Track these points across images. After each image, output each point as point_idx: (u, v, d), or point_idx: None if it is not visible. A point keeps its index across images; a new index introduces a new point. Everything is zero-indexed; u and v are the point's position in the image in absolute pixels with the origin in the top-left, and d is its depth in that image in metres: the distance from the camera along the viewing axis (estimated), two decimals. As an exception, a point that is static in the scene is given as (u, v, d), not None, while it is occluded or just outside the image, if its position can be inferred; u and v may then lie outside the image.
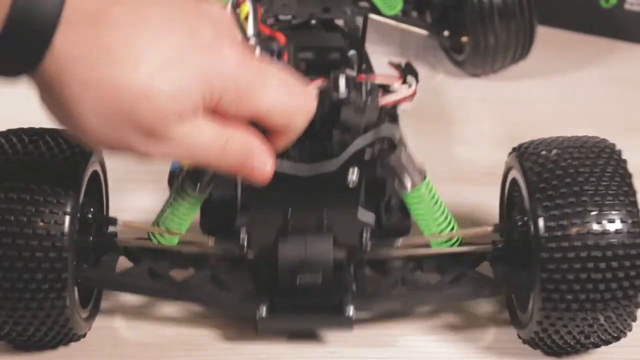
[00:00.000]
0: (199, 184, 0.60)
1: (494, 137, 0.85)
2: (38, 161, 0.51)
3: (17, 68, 0.46)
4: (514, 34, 0.90)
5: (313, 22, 0.80)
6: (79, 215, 0.58)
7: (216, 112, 0.49)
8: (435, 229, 0.62)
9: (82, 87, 0.45)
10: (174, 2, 0.48)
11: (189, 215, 0.62)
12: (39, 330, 0.58)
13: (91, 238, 0.62)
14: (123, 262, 0.64)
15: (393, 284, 0.63)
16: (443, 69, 0.96)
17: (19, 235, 0.56)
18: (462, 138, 0.86)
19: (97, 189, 0.64)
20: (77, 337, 0.61)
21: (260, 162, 0.51)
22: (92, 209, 0.62)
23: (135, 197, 0.74)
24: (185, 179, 0.60)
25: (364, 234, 0.60)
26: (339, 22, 0.83)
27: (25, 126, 0.62)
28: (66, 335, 0.60)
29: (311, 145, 0.59)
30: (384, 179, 0.64)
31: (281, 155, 0.56)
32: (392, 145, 0.58)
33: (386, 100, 0.61)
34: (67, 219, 0.57)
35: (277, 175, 0.54)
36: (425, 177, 0.61)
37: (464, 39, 0.92)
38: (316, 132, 0.57)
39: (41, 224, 0.56)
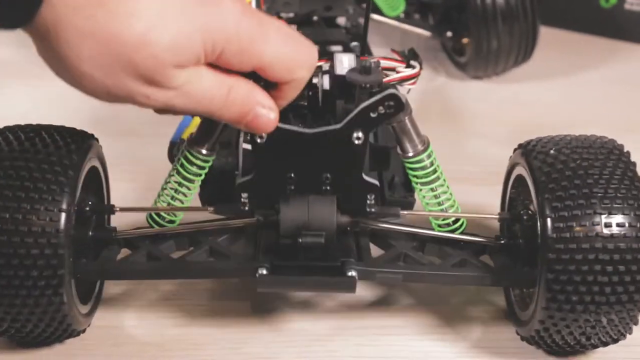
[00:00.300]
0: (205, 146, 0.59)
1: (495, 137, 0.85)
2: (34, 158, 0.50)
3: (15, 18, 0.45)
4: (517, 38, 0.90)
5: (315, 18, 0.80)
6: (75, 210, 0.58)
7: (218, 64, 0.49)
8: (436, 204, 0.62)
9: (78, 37, 0.45)
10: None
11: (196, 181, 0.61)
12: (37, 326, 0.58)
13: (90, 232, 0.62)
14: (125, 255, 0.63)
15: (395, 257, 0.62)
16: (444, 71, 0.96)
17: (15, 233, 0.56)
18: (464, 138, 0.86)
19: (97, 185, 0.64)
20: (76, 333, 0.61)
21: (265, 110, 0.51)
22: (90, 205, 0.61)
23: (132, 194, 0.74)
24: (191, 142, 0.59)
25: (368, 199, 0.59)
26: (341, 21, 0.84)
27: (23, 123, 0.61)
28: (65, 331, 0.60)
29: (314, 119, 0.58)
30: (388, 149, 0.64)
31: (284, 121, 0.56)
32: (399, 105, 0.57)
33: (391, 77, 0.60)
34: (63, 215, 0.56)
35: (280, 134, 0.53)
36: (428, 146, 0.61)
37: (465, 40, 0.92)
38: (318, 108, 0.57)
39: (36, 221, 0.56)
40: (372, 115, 0.56)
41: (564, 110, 0.91)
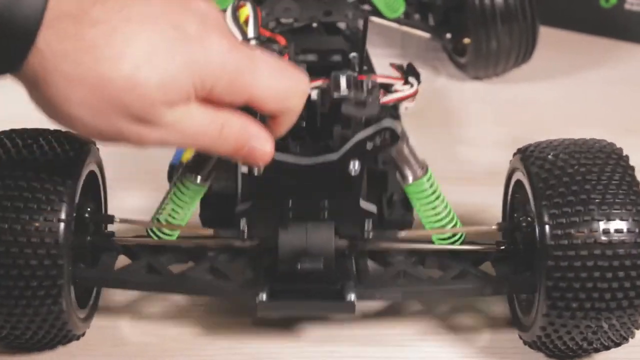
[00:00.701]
0: (200, 175, 0.60)
1: (496, 137, 0.85)
2: (31, 165, 0.50)
3: (2, 66, 0.46)
4: (517, 38, 0.90)
5: (315, 25, 0.80)
6: (74, 217, 0.57)
7: (210, 100, 0.49)
8: (436, 222, 0.62)
9: (67, 83, 0.46)
10: (156, 1, 0.48)
11: (190, 207, 0.61)
12: (36, 334, 0.58)
13: (89, 238, 0.61)
14: (123, 261, 0.63)
15: (395, 276, 0.62)
16: (445, 71, 0.96)
17: (13, 244, 0.55)
18: (465, 139, 0.86)
19: (95, 189, 0.64)
20: (76, 338, 0.61)
21: (260, 143, 0.51)
22: (89, 210, 0.61)
23: (132, 198, 0.74)
24: (186, 170, 0.60)
25: (366, 224, 0.60)
26: (341, 24, 0.83)
27: (20, 127, 0.61)
28: (64, 337, 0.60)
29: (312, 142, 0.59)
30: (385, 172, 0.64)
31: (282, 149, 0.56)
32: (394, 137, 0.57)
33: (388, 98, 0.61)
34: (62, 225, 0.56)
35: (278, 165, 0.54)
36: (427, 171, 0.61)
37: (466, 40, 0.92)
38: (317, 130, 0.57)
39: (35, 231, 0.55)
40: (368, 146, 0.57)
41: (565, 110, 0.91)
